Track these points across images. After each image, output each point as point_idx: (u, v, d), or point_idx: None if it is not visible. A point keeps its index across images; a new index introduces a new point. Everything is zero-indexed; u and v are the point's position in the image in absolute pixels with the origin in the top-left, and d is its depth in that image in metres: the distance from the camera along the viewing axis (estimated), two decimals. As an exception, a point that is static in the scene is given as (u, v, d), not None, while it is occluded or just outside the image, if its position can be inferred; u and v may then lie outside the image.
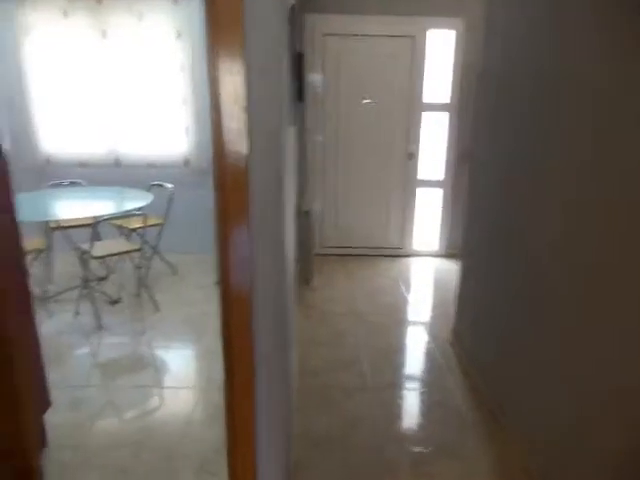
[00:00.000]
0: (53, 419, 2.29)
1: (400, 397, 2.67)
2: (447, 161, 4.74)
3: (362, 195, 4.83)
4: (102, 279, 4.02)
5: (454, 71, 4.50)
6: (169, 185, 3.95)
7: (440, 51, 4.50)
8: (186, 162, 4.52)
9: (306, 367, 2.90)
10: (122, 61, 4.27)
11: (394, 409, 2.56)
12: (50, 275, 3.99)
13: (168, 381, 2.75)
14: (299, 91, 3.99)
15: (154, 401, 2.57)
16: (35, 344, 2.13)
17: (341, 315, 3.61)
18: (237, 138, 1.27)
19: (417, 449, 2.25)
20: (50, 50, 4.23)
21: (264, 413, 1.54)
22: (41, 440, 2.11)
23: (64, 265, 4.16)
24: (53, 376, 2.63)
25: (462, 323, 3.11)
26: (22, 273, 2.00)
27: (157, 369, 2.88)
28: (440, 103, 4.61)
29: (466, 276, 3.10)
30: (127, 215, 3.47)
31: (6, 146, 1.74)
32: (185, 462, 2.13)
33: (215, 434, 2.28)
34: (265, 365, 1.50)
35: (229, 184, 1.28)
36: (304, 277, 4.11)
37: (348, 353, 3.08)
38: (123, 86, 4.33)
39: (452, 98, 4.57)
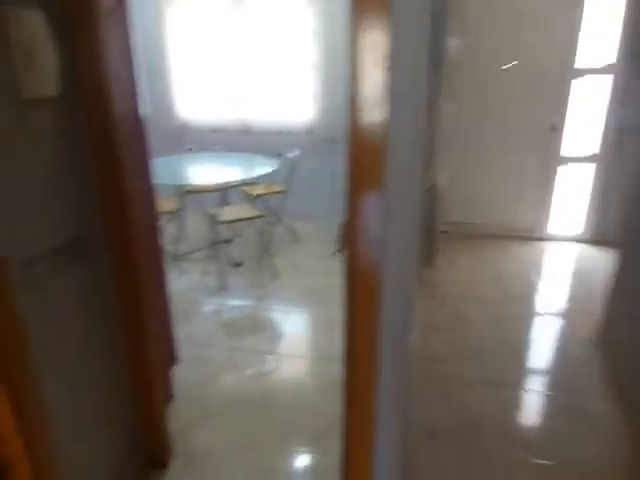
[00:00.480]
0: (179, 372, 2.43)
1: (526, 397, 2.41)
2: (604, 133, 4.10)
3: (494, 171, 4.41)
4: (228, 242, 4.19)
5: (625, 25, 3.79)
6: (293, 152, 3.95)
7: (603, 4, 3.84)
8: (311, 130, 4.48)
9: (425, 351, 2.74)
10: (254, 27, 4.30)
11: (519, 410, 2.32)
12: (182, 235, 4.27)
13: (284, 347, 2.78)
14: (434, 54, 3.69)
15: (270, 365, 2.62)
16: (166, 301, 2.25)
17: (464, 299, 3.36)
18: (376, 103, 1.13)
19: (541, 460, 2.00)
20: (188, 18, 4.39)
21: (385, 397, 1.43)
22: (168, 393, 2.24)
23: (195, 226, 4.41)
24: (181, 332, 2.81)
25: (613, 320, 2.69)
26: (156, 233, 2.09)
27: (275, 334, 2.93)
28: (598, 67, 3.98)
29: (625, 266, 2.65)
30: (253, 182, 3.53)
31: (146, 111, 1.78)
32: (297, 433, 2.13)
33: (326, 407, 2.25)
34: (390, 346, 1.38)
35: (364, 152, 1.15)
36: (426, 255, 3.90)
37: (470, 341, 2.85)
38: (255, 52, 4.38)
39: (619, 59, 3.89)
